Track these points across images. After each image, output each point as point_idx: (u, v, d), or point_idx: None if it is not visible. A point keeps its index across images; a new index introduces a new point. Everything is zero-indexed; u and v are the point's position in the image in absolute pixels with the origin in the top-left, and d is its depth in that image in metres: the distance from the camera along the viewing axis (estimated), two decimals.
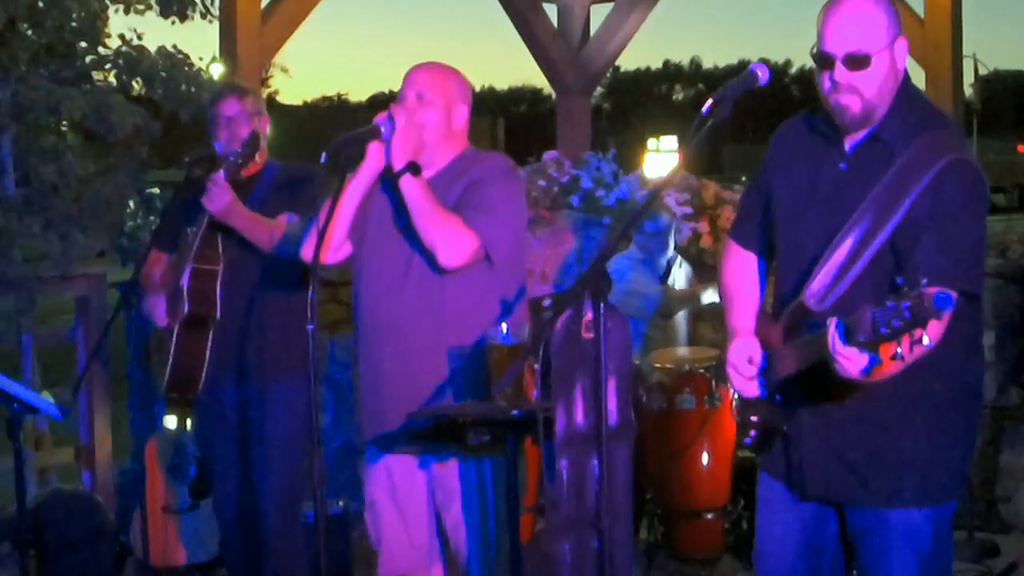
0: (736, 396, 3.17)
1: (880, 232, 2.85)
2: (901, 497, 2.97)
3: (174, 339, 4.31)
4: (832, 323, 2.69)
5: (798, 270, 3.01)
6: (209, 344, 4.31)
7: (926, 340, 2.53)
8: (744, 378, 3.08)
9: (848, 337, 2.66)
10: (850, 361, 2.68)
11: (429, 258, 3.53)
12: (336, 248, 3.67)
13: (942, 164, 2.84)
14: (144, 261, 4.43)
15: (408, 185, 3.51)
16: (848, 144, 3.00)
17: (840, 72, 2.89)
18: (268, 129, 4.54)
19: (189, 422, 5.37)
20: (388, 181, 3.60)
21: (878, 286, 2.85)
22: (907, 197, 2.83)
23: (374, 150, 3.54)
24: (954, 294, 2.70)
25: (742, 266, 3.28)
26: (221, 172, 4.22)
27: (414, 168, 3.52)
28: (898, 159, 2.89)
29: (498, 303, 3.59)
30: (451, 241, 3.49)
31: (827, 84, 2.93)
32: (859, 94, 2.90)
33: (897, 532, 2.98)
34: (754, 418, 3.12)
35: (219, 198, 4.18)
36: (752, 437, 3.15)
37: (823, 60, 2.91)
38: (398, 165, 3.51)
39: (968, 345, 3.02)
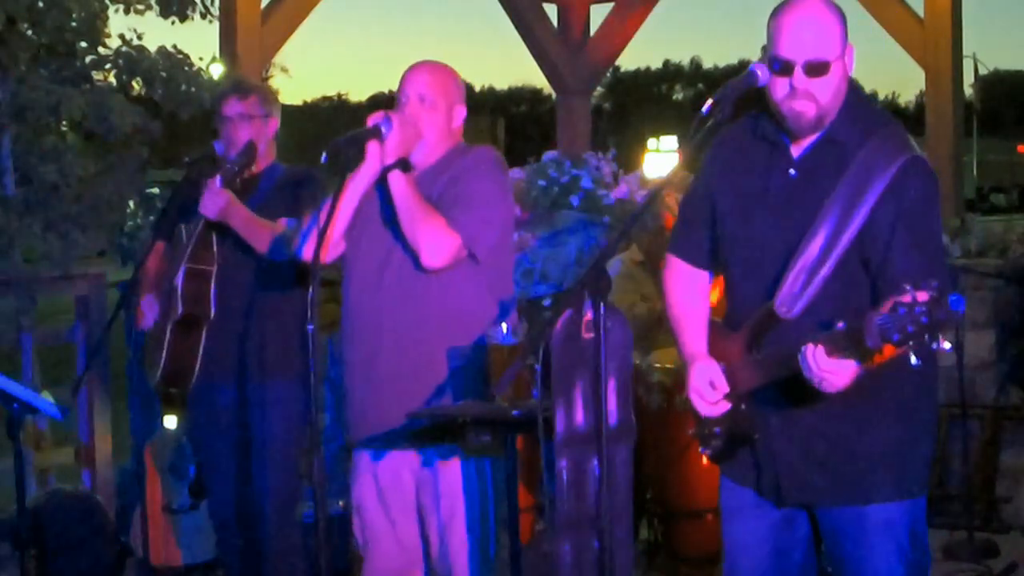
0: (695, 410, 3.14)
1: (844, 234, 2.86)
2: (878, 493, 2.98)
3: (167, 337, 4.30)
4: (807, 349, 2.70)
5: (757, 279, 3.00)
6: (203, 343, 4.30)
7: (947, 344, 2.53)
8: (708, 403, 3.07)
9: (846, 348, 2.67)
10: (836, 375, 2.70)
11: (410, 253, 3.51)
12: (333, 246, 3.65)
13: (901, 163, 2.86)
14: (147, 253, 4.42)
15: (396, 180, 3.50)
16: (796, 149, 2.99)
17: (799, 78, 2.88)
18: (275, 128, 4.51)
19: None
20: (381, 178, 3.59)
21: (846, 288, 2.88)
22: (869, 197, 2.85)
23: (373, 150, 3.54)
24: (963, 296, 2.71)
25: (687, 283, 3.22)
26: (218, 178, 4.21)
27: (404, 165, 3.52)
28: (852, 160, 2.89)
29: (484, 300, 3.56)
30: (433, 241, 3.47)
31: (784, 90, 2.91)
32: (815, 100, 2.89)
33: (877, 528, 2.99)
34: (717, 430, 3.10)
35: (214, 204, 4.18)
36: (715, 448, 3.14)
37: (782, 66, 2.89)
38: (389, 160, 3.50)
39: None
